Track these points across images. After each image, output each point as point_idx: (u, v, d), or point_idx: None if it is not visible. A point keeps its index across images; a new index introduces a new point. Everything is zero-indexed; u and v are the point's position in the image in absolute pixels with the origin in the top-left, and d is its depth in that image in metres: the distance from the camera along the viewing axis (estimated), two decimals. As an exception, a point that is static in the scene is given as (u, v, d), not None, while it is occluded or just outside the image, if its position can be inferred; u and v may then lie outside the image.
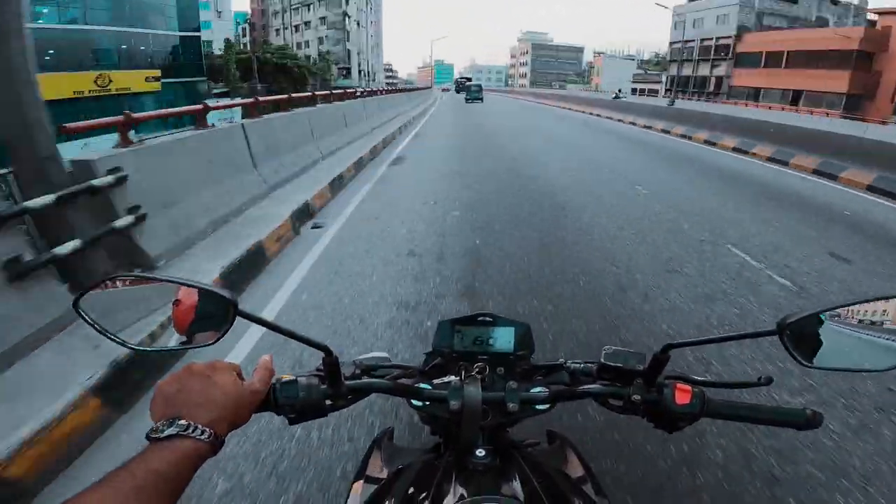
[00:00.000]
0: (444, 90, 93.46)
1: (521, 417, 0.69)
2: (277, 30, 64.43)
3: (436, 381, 0.71)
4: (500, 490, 0.58)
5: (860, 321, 0.58)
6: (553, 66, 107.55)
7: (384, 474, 0.78)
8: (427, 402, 0.69)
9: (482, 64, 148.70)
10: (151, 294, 0.75)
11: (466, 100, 35.94)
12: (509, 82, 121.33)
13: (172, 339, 0.60)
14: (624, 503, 1.58)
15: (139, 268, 3.01)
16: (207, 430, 0.49)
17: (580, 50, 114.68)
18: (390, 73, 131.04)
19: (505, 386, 0.68)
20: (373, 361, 0.76)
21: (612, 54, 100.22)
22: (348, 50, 58.84)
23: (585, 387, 0.69)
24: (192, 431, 0.48)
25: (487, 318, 0.76)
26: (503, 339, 0.76)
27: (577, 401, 0.71)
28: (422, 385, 0.70)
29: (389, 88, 22.79)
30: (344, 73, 58.93)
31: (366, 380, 0.70)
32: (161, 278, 0.60)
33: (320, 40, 59.74)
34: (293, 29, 62.67)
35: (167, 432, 0.47)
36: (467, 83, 44.73)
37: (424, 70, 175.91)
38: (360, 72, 65.88)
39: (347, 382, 0.66)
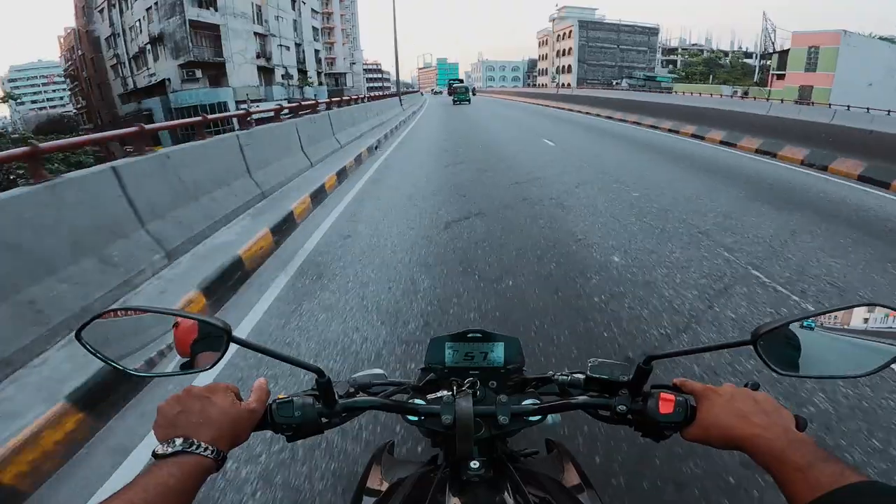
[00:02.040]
0: (435, 93, 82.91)
1: (515, 429, 0.71)
2: (101, 10, 34.10)
3: (429, 397, 0.73)
4: (493, 502, 0.60)
5: (835, 328, 0.58)
6: (612, 55, 69.85)
7: (383, 487, 0.80)
8: (421, 418, 0.70)
9: (493, 59, 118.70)
10: (150, 324, 0.66)
11: (454, 101, 34.50)
12: (535, 81, 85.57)
13: (170, 366, 0.62)
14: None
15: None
16: (211, 446, 0.52)
17: (654, 32, 72.24)
18: (378, 76, 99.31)
19: (495, 399, 0.70)
20: (368, 379, 0.77)
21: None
22: (189, 22, 27.87)
23: (574, 399, 0.71)
24: (196, 448, 0.51)
25: (478, 334, 0.78)
26: (493, 353, 0.78)
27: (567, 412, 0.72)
28: (415, 401, 0.72)
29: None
30: (190, 75, 28.17)
31: (360, 398, 0.71)
32: (160, 310, 0.61)
33: (147, 13, 29.09)
34: (122, 4, 32.23)
35: (172, 449, 0.50)
36: (455, 85, 41.84)
37: (426, 71, 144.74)
38: (265, 70, 34.40)
39: (341, 401, 0.67)
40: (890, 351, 0.56)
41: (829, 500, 0.44)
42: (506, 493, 0.61)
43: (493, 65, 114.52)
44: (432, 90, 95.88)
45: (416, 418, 0.71)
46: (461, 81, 45.49)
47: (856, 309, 0.58)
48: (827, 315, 0.58)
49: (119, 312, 0.61)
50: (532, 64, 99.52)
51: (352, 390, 0.73)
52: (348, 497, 0.81)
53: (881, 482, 0.44)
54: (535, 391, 0.76)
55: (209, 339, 0.60)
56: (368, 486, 0.81)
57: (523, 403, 0.70)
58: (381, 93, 28.24)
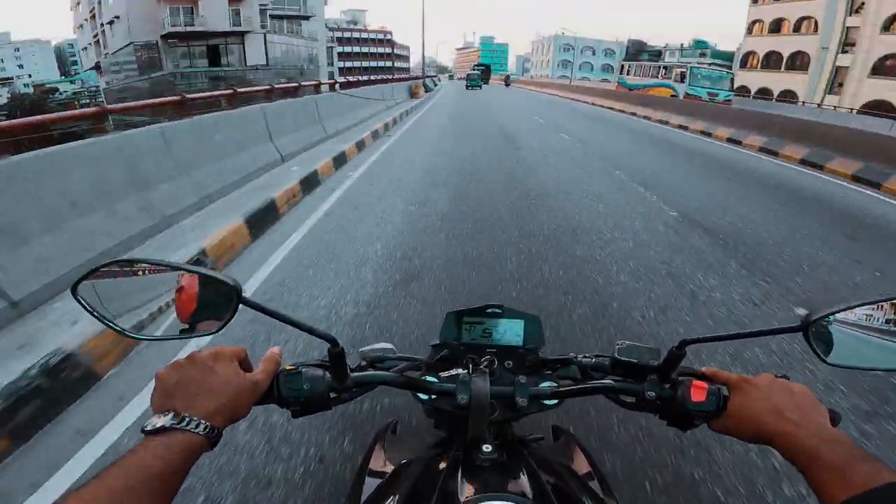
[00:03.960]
0: (458, 78, 75.16)
1: (529, 413, 0.68)
2: None
3: (443, 375, 0.70)
4: (508, 487, 0.57)
5: (891, 318, 0.55)
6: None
7: (388, 468, 0.78)
8: (434, 396, 0.68)
9: (574, 36, 75.39)
10: (153, 281, 0.62)
11: (467, 87, 35.74)
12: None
13: (175, 328, 0.58)
14: (630, 501, 1.50)
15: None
16: (204, 422, 0.48)
17: None
18: (387, 51, 75.37)
19: (513, 380, 0.67)
20: (378, 353, 0.74)
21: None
22: None
23: (597, 382, 0.67)
24: (187, 424, 0.47)
25: (496, 310, 0.74)
26: (512, 331, 0.74)
27: (587, 397, 0.69)
28: (429, 378, 0.69)
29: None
30: None
31: (372, 372, 0.68)
32: (163, 264, 0.57)
33: None
34: None
35: (159, 424, 0.46)
36: (469, 72, 41.77)
37: (467, 52, 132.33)
38: None
39: (353, 375, 0.64)
40: None
41: (864, 500, 0.42)
42: (521, 479, 0.59)
43: (572, 43, 69.86)
44: (449, 75, 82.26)
45: (427, 397, 0.68)
46: (487, 67, 44.19)
47: None
48: (886, 303, 0.54)
49: (120, 267, 0.57)
50: (638, 46, 60.02)
51: (363, 364, 0.70)
52: (351, 478, 0.79)
53: None
54: (552, 373, 0.73)
55: (214, 306, 0.56)
56: (371, 467, 0.79)
57: (542, 385, 0.68)
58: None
